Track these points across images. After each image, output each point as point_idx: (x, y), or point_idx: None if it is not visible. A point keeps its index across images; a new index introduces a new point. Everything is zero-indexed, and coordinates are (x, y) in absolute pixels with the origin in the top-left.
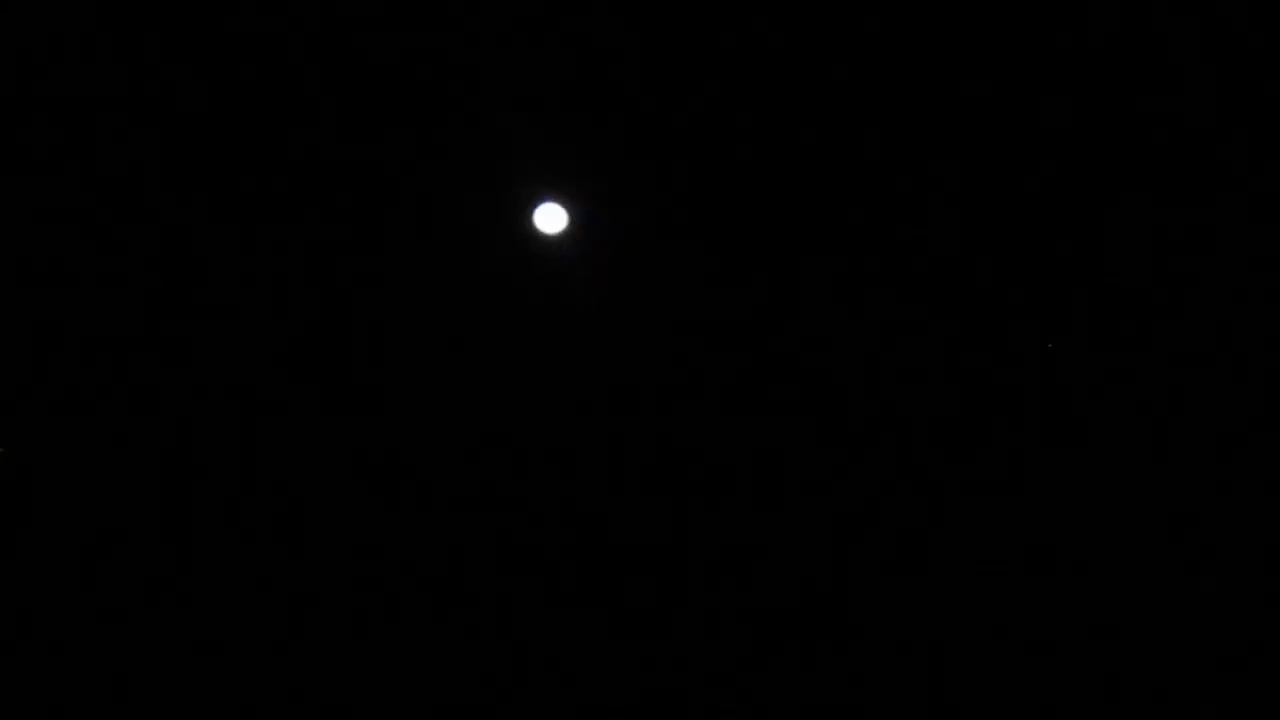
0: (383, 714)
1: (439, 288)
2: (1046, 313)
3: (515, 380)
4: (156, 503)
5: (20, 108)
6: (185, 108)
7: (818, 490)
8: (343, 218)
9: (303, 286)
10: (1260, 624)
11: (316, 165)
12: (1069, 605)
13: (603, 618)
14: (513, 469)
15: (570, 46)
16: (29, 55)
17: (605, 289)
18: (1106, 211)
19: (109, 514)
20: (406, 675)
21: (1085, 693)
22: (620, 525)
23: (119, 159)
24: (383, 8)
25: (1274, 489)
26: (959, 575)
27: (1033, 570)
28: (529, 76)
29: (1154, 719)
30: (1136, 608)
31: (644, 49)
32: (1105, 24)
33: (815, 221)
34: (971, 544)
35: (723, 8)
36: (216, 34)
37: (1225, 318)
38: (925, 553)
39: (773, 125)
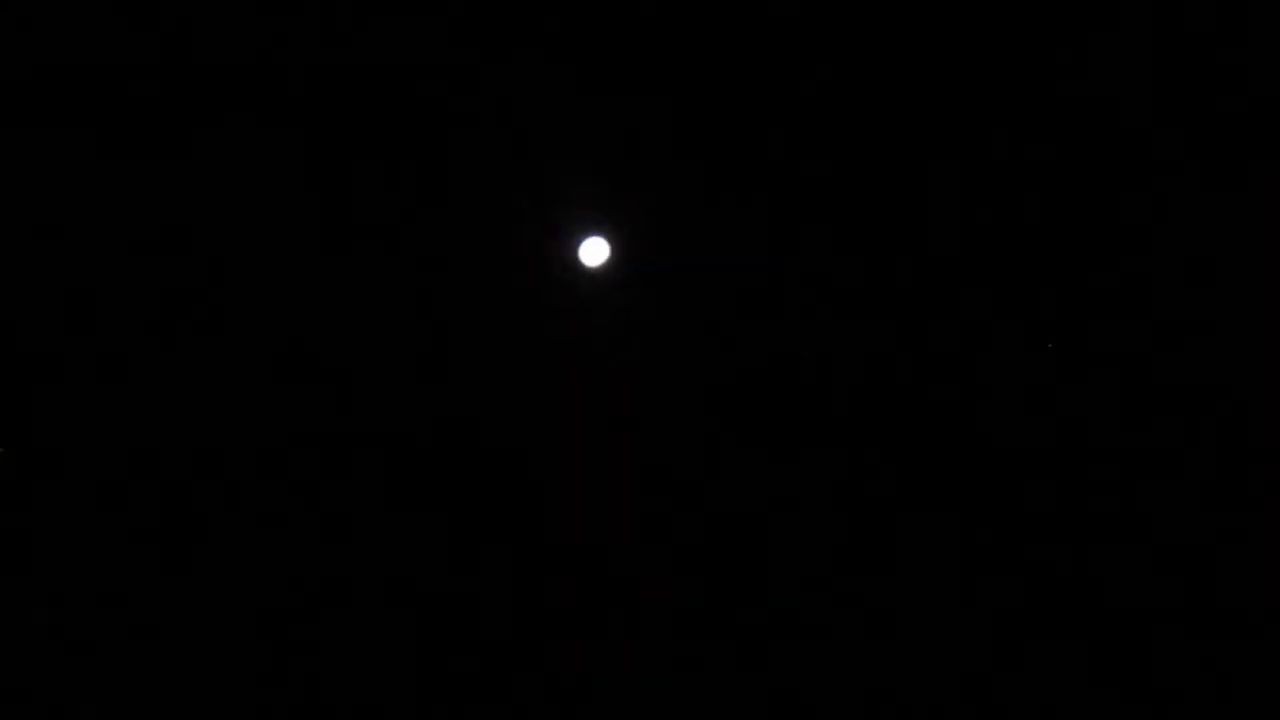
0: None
1: (485, 319)
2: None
3: (556, 408)
4: (159, 504)
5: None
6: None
7: (860, 531)
8: (389, 250)
9: (346, 320)
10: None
11: (364, 199)
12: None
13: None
14: (554, 500)
15: (614, 86)
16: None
17: (647, 320)
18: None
19: (108, 514)
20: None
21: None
22: (664, 560)
23: (148, 160)
24: (433, 47)
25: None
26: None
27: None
28: (575, 112)
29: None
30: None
31: (687, 87)
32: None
33: (854, 256)
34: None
35: (760, 47)
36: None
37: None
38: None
39: (813, 158)
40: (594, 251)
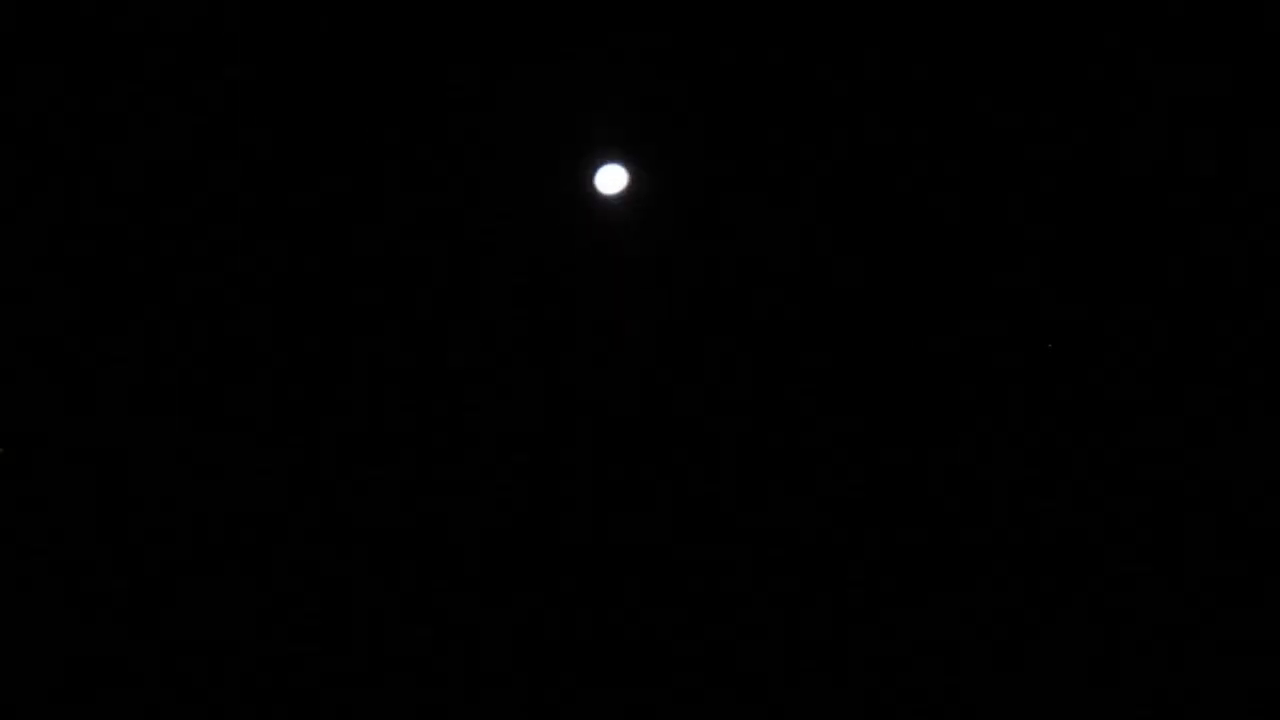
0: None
1: (505, 247)
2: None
3: (576, 338)
4: (159, 503)
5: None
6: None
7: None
8: (410, 185)
9: (366, 255)
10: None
11: (384, 139)
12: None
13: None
14: (572, 429)
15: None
16: None
17: (663, 246)
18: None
19: (108, 514)
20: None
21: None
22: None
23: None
24: None
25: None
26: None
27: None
28: (588, 42)
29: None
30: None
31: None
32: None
33: (871, 179)
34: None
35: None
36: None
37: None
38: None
39: (825, 82)
40: (611, 179)
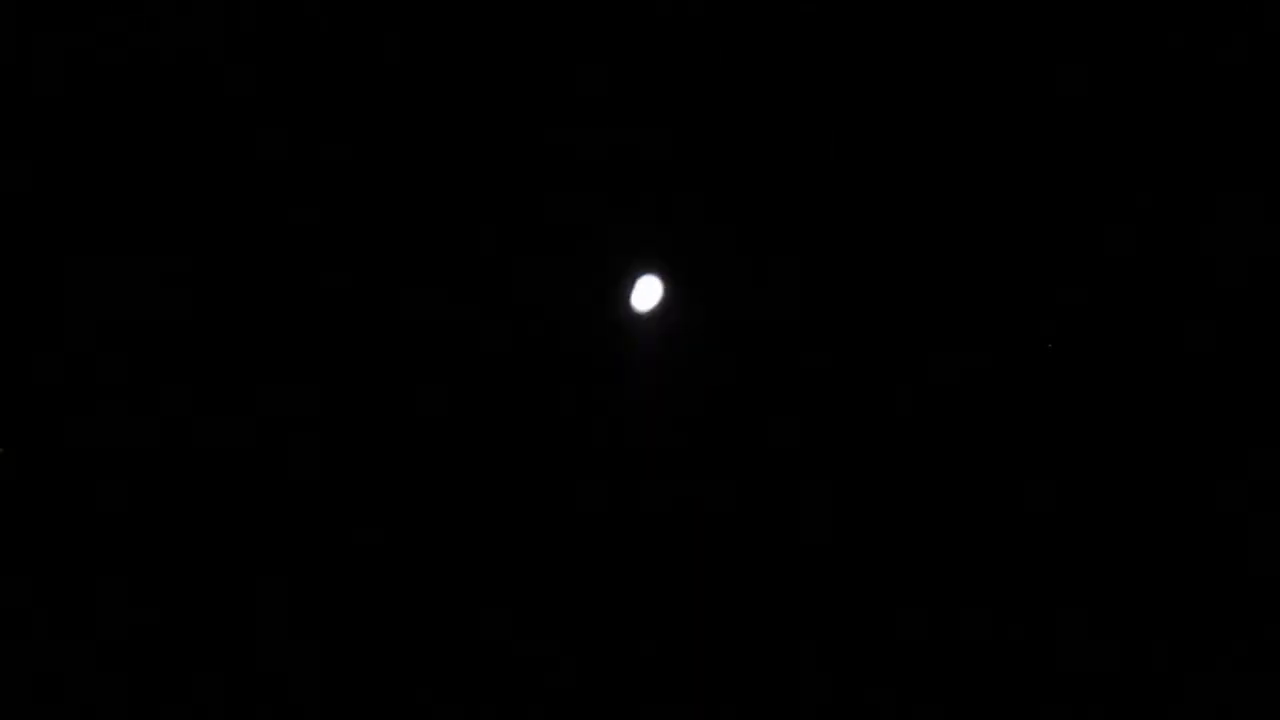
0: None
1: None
2: None
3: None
4: (160, 504)
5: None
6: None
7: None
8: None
9: (398, 370)
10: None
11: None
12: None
13: None
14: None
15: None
16: None
17: (698, 359)
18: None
19: (108, 514)
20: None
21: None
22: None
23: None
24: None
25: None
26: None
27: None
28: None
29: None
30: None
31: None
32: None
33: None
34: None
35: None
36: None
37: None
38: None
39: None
40: (647, 293)
